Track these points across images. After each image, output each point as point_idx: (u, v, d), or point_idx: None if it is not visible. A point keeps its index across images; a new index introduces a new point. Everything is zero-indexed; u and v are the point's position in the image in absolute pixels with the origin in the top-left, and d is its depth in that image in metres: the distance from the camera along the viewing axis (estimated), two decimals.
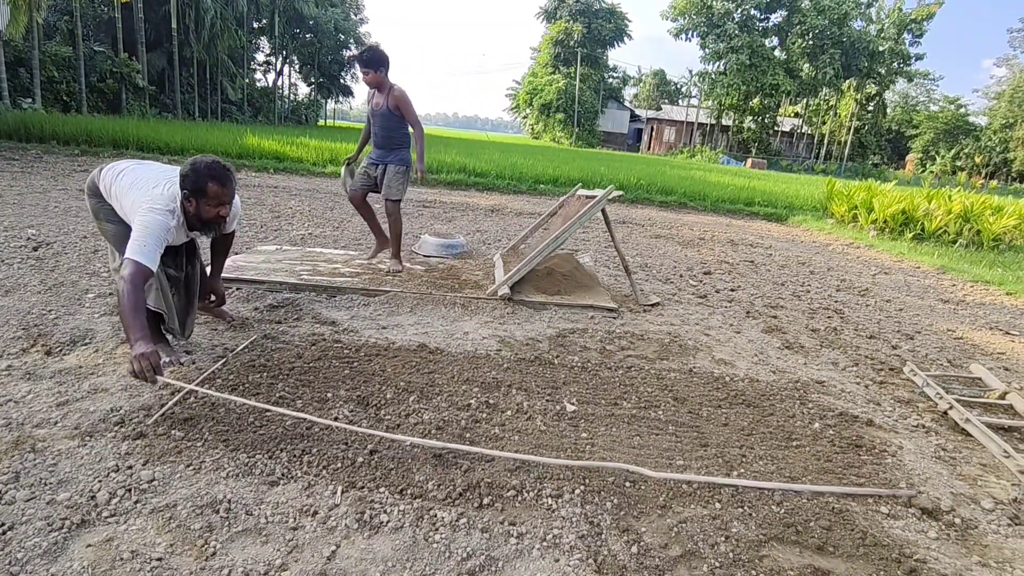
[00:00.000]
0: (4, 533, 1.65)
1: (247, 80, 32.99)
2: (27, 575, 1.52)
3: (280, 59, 37.45)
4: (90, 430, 2.19)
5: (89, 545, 1.65)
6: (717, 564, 1.81)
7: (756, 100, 44.64)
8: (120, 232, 2.70)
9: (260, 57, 37.59)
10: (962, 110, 47.78)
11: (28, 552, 1.59)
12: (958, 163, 45.53)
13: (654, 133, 54.76)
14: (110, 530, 1.71)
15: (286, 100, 38.41)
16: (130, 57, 20.45)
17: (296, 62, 40.61)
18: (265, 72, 38.15)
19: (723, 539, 1.93)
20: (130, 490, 1.88)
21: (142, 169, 2.76)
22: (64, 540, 1.65)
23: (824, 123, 47.53)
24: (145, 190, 2.57)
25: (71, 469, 1.96)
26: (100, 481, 1.91)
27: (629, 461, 2.33)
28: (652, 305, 4.75)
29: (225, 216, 2.66)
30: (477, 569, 1.71)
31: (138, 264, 2.32)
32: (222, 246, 3.18)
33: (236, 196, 2.77)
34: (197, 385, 2.48)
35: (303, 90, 43.89)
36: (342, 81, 44.06)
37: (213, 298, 3.25)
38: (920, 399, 3.37)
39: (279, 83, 37.76)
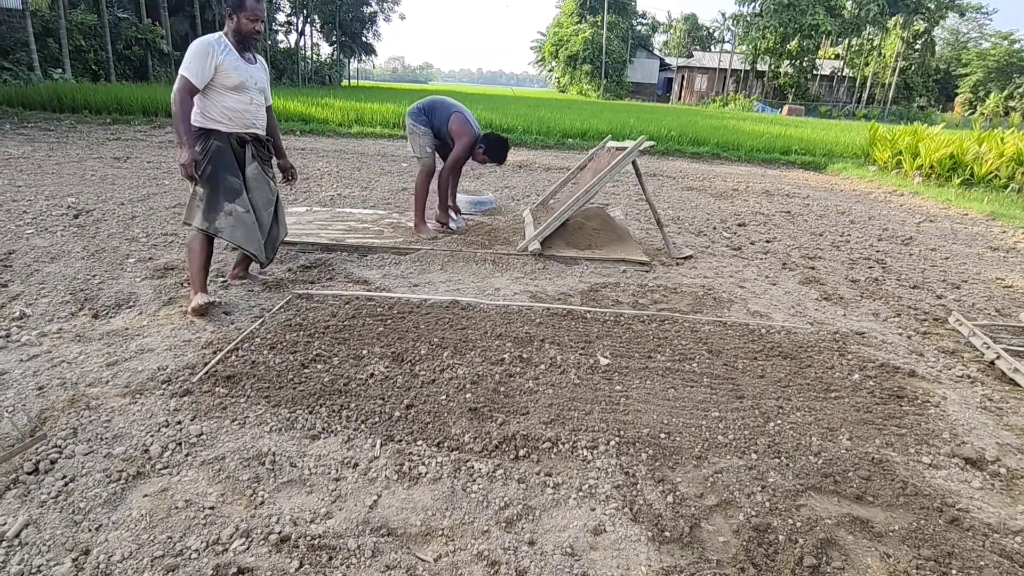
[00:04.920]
0: (67, 484, 1.74)
1: (269, 41, 32.74)
2: (90, 522, 1.61)
3: (301, 18, 36.94)
4: (139, 388, 2.29)
5: (146, 495, 1.73)
6: (753, 513, 1.81)
7: (794, 42, 42.38)
8: (217, 177, 3.00)
9: (281, 17, 37.11)
10: (1016, 46, 44.58)
11: (90, 502, 1.68)
12: (1011, 103, 42.82)
13: (685, 82, 52.77)
14: (164, 481, 1.80)
15: (309, 61, 38.05)
16: (153, 22, 20.42)
17: (317, 21, 40.05)
18: (287, 33, 37.72)
19: (759, 488, 1.92)
20: (180, 444, 1.97)
21: None
22: (122, 490, 1.74)
23: (867, 65, 44.99)
24: None
25: (124, 425, 2.05)
26: (152, 436, 2.00)
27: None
28: (685, 258, 4.67)
29: (260, 32, 3.07)
30: (515, 517, 1.74)
31: (184, 78, 2.87)
32: (270, 124, 3.37)
33: (267, 72, 3.25)
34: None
35: (325, 50, 43.40)
36: (364, 39, 43.37)
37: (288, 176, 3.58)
38: (966, 349, 3.27)
39: (301, 43, 37.37)
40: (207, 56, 2.89)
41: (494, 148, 4.63)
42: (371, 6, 42.53)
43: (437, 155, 4.75)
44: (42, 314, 2.90)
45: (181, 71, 2.89)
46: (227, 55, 2.96)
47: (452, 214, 4.97)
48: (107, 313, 2.98)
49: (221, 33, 3.03)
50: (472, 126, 4.55)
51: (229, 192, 3.02)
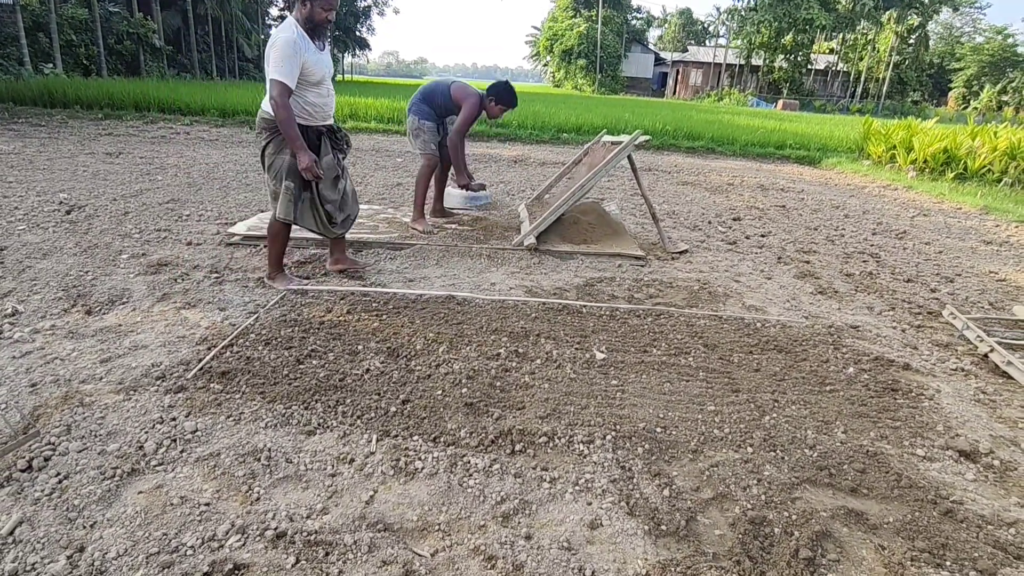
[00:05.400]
0: (61, 482, 1.73)
1: (263, 36, 32.49)
2: (85, 520, 1.60)
3: None
4: (133, 385, 2.27)
5: (140, 492, 1.72)
6: (749, 506, 1.82)
7: (788, 37, 42.43)
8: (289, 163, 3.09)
9: (274, 12, 36.78)
10: (1010, 40, 44.75)
11: (84, 499, 1.67)
12: (1004, 98, 42.97)
13: (680, 76, 52.77)
14: (159, 478, 1.79)
15: None
16: (145, 17, 20.25)
17: None
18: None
19: (755, 482, 1.93)
20: (175, 440, 1.96)
21: None
22: (117, 487, 1.73)
23: (861, 59, 45.06)
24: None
25: (118, 422, 2.04)
26: (146, 432, 1.99)
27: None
28: (680, 252, 4.67)
29: (331, 21, 3.05)
30: (511, 512, 1.74)
31: (280, 83, 2.87)
32: None
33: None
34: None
35: None
36: (358, 34, 43.14)
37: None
38: (960, 342, 3.28)
39: None
40: (296, 56, 2.89)
41: (503, 94, 4.46)
42: (365, 0, 42.29)
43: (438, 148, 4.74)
44: (34, 311, 2.88)
45: (273, 76, 2.87)
46: (308, 49, 2.96)
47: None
48: (100, 309, 2.95)
49: (294, 22, 2.96)
50: (473, 89, 4.49)
51: (304, 184, 3.19)
